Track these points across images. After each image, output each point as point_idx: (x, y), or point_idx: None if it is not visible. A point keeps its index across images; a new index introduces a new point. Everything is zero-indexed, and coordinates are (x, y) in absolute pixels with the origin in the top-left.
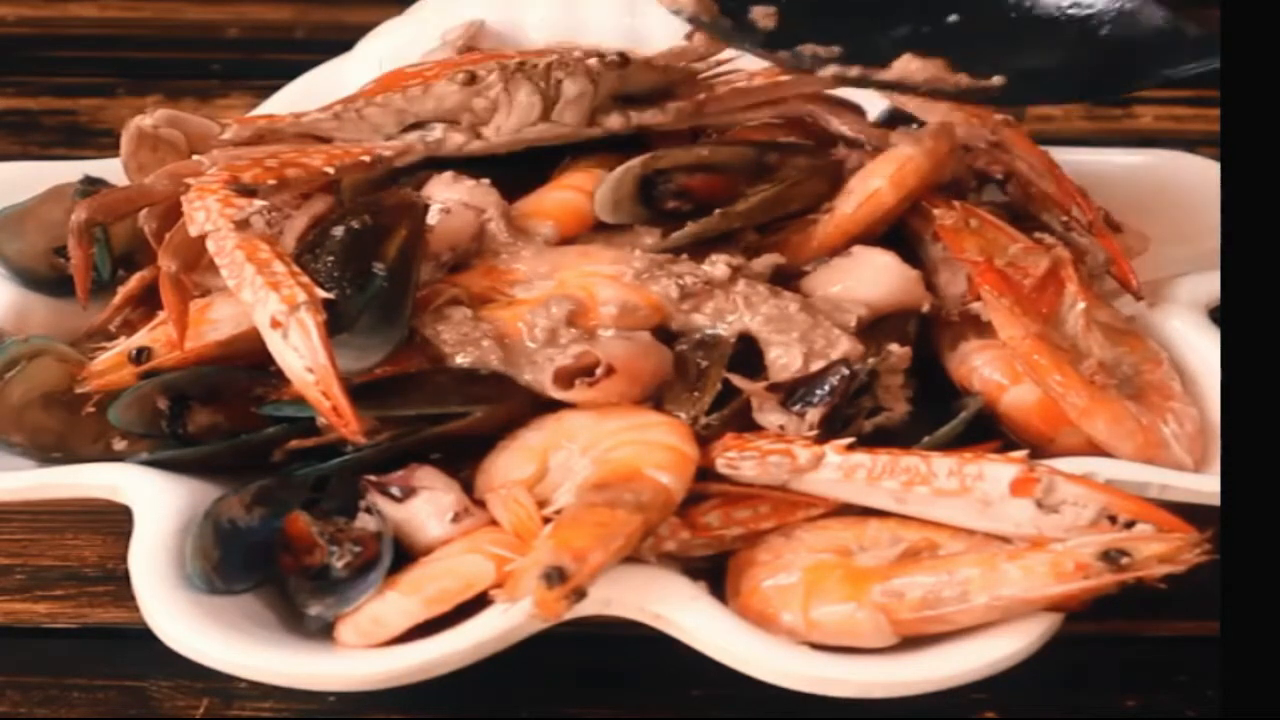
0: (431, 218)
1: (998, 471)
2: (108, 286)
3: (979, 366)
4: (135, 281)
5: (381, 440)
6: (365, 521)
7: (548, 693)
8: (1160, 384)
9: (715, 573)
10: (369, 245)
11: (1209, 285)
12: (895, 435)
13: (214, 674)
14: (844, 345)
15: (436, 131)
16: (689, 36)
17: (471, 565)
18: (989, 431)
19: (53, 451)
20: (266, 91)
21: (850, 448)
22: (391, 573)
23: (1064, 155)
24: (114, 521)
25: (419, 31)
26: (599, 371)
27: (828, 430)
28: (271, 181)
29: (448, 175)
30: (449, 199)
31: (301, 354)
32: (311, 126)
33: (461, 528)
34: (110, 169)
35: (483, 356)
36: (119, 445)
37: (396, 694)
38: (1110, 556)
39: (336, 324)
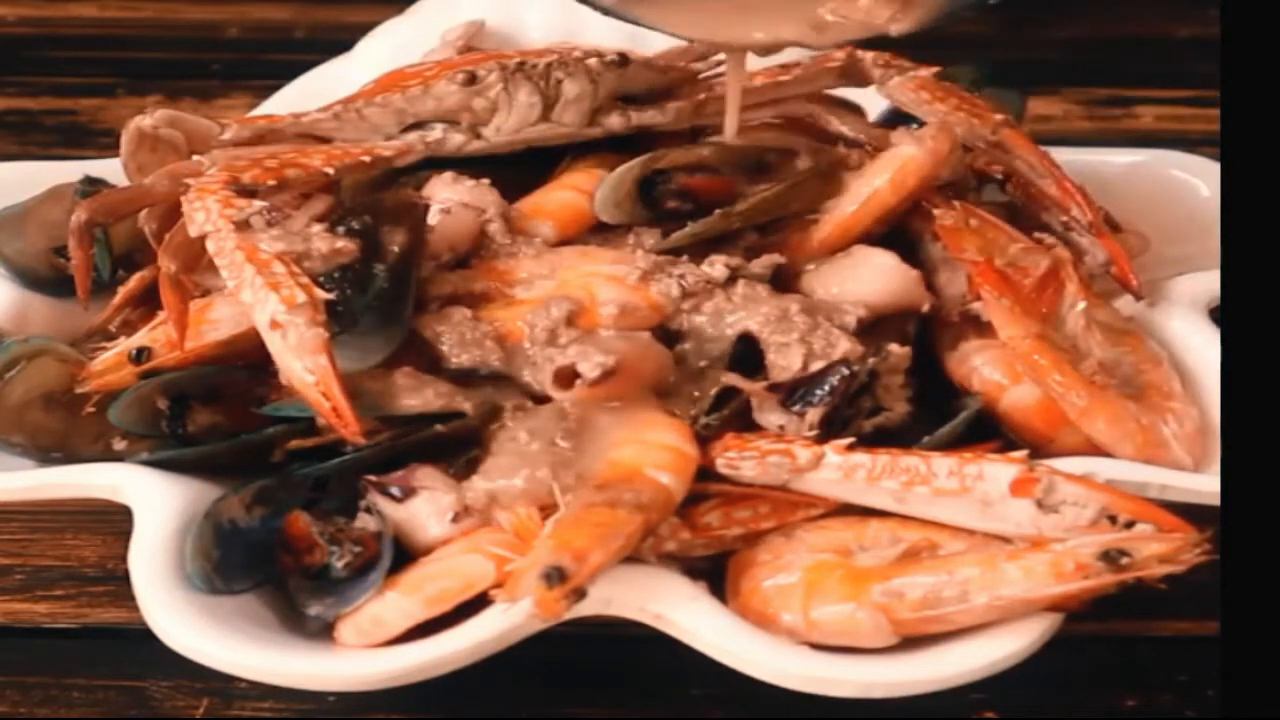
0: (431, 218)
1: (998, 471)
2: (108, 286)
3: (979, 366)
4: (135, 281)
5: (381, 440)
6: (365, 521)
7: (548, 693)
8: (1160, 384)
9: (715, 573)
10: (369, 245)
11: (1209, 285)
12: (895, 435)
13: (214, 674)
14: (844, 346)
15: (436, 131)
16: None
17: (471, 565)
18: (989, 431)
19: (53, 451)
20: (266, 91)
21: (850, 448)
22: (392, 573)
23: (1064, 155)
24: (114, 521)
25: (419, 31)
26: (599, 372)
27: (828, 430)
28: (271, 182)
29: (448, 175)
30: (449, 199)
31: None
32: (311, 127)
33: (461, 528)
34: (110, 169)
35: (483, 356)
36: (119, 445)
37: (396, 694)
38: (1110, 556)
39: (337, 324)
